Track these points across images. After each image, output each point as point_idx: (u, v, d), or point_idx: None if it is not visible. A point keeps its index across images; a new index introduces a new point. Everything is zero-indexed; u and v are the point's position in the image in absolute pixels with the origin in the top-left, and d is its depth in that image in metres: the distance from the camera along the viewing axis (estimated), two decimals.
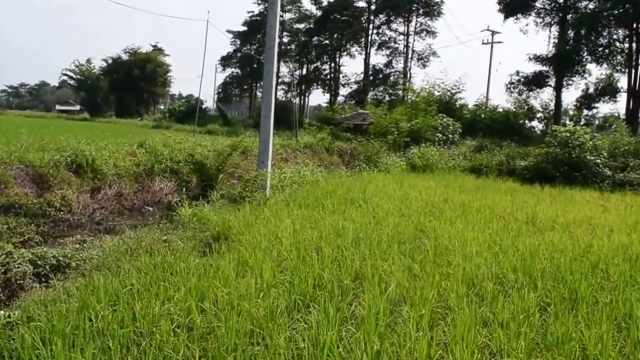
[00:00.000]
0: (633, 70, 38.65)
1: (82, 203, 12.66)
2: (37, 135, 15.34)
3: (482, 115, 39.87)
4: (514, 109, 41.94)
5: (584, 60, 41.43)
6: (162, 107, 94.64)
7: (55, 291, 6.02)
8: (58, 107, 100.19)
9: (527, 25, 45.26)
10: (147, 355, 4.16)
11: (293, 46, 78.04)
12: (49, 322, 4.65)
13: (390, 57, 66.34)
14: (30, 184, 12.14)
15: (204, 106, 71.64)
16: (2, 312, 5.15)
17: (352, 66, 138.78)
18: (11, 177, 11.60)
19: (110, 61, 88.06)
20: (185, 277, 5.92)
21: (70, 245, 8.52)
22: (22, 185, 11.83)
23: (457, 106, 40.44)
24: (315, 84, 77.05)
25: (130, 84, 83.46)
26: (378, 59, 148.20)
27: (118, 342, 4.38)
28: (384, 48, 66.36)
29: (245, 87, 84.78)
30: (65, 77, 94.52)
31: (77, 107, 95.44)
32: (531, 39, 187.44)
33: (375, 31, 67.25)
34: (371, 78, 66.55)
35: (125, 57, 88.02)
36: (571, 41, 41.73)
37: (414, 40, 64.78)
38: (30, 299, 5.66)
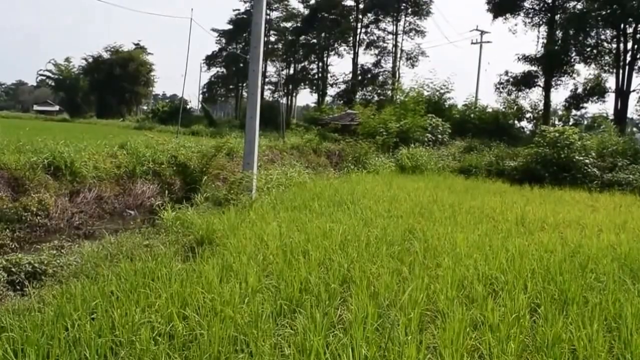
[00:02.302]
0: (621, 71, 38.88)
1: (60, 207, 12.30)
2: (12, 136, 14.99)
3: (472, 116, 40.01)
4: (503, 109, 42.19)
5: (573, 60, 41.61)
6: (145, 107, 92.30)
7: (30, 300, 5.83)
8: (36, 107, 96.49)
9: (516, 25, 45.73)
10: None
11: (280, 45, 77.83)
12: (23, 332, 4.50)
13: (378, 57, 66.18)
14: (5, 188, 11.80)
15: (188, 106, 71.00)
16: None
17: (340, 66, 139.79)
18: None
19: (90, 60, 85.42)
20: (167, 283, 5.78)
21: (47, 251, 8.24)
22: None
23: (446, 106, 40.54)
24: (302, 84, 76.57)
25: (111, 84, 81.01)
26: (366, 58, 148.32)
27: (95, 352, 4.25)
28: (372, 47, 66.15)
29: (231, 87, 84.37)
30: (43, 77, 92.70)
31: (56, 108, 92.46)
32: (520, 39, 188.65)
33: (363, 30, 67.04)
34: (359, 78, 66.15)
35: (106, 55, 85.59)
36: (560, 41, 41.90)
37: (402, 39, 64.64)
38: (4, 308, 5.47)
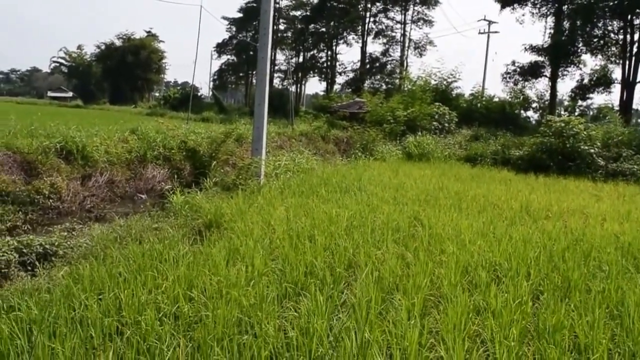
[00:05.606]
0: (627, 62, 38.57)
1: (72, 190, 12.47)
2: (26, 121, 15.11)
3: (478, 105, 40.02)
4: (510, 99, 42.16)
5: (579, 51, 41.43)
6: (156, 94, 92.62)
7: (40, 280, 5.92)
8: (50, 93, 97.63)
9: (523, 15, 45.48)
10: (131, 345, 4.07)
11: (289, 33, 77.63)
12: (30, 312, 4.57)
13: (387, 46, 66.45)
14: (18, 171, 11.95)
15: (199, 93, 71.28)
16: None
17: (349, 54, 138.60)
18: None
19: (103, 47, 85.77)
20: (174, 265, 5.84)
21: (59, 233, 8.41)
22: (9, 172, 11.63)
23: (453, 95, 40.45)
24: (311, 72, 76.58)
25: (124, 71, 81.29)
26: (375, 47, 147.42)
27: (101, 331, 4.30)
28: (380, 36, 66.29)
29: (241, 74, 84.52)
30: (56, 64, 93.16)
31: (70, 94, 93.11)
32: (527, 30, 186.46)
33: (372, 19, 67.07)
34: (368, 66, 66.34)
35: (118, 43, 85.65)
36: (567, 32, 41.64)
37: (410, 29, 64.88)
38: (14, 288, 5.56)
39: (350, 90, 63.76)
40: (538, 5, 43.71)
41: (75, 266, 6.20)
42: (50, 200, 11.66)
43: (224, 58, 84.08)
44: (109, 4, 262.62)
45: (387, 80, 63.79)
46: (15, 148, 12.39)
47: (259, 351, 4.02)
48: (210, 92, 77.83)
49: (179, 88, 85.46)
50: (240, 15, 78.25)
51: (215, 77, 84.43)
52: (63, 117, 19.80)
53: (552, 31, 43.13)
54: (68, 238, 8.15)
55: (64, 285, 5.38)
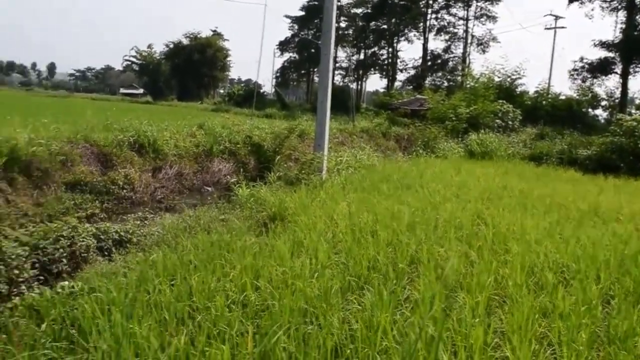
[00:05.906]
0: None
1: (144, 182, 13.05)
2: (102, 116, 15.86)
3: (544, 103, 38.94)
4: (577, 97, 40.77)
5: None
6: (221, 91, 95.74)
7: (117, 265, 6.23)
8: (122, 90, 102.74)
9: (592, 10, 43.55)
10: (202, 329, 4.23)
11: (350, 31, 78.05)
12: (109, 294, 4.81)
13: (449, 42, 65.45)
14: (95, 163, 12.55)
15: (262, 90, 72.63)
16: (66, 282, 5.36)
17: (410, 51, 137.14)
18: (77, 156, 12.02)
19: (171, 46, 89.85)
20: (241, 255, 5.99)
21: (132, 221, 8.85)
22: (87, 163, 12.24)
23: (518, 92, 39.55)
24: (372, 69, 76.91)
25: (191, 68, 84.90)
26: (436, 44, 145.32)
27: (174, 315, 4.49)
28: (442, 33, 65.39)
29: (302, 71, 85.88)
30: (128, 62, 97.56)
31: (141, 91, 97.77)
32: (597, 24, 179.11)
33: (433, 16, 66.33)
34: (429, 63, 65.80)
35: (185, 41, 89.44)
36: (639, 26, 39.82)
37: (473, 25, 63.67)
38: (93, 271, 5.88)
39: (411, 87, 63.59)
40: None
41: (148, 253, 6.49)
42: (124, 191, 12.24)
43: (286, 56, 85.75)
44: (177, 5, 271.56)
45: (448, 77, 63.23)
46: (92, 141, 13.01)
47: (324, 342, 4.07)
48: (273, 89, 79.30)
49: (242, 85, 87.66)
50: (302, 13, 79.45)
51: (278, 74, 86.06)
52: (135, 113, 20.65)
53: (623, 26, 41.49)
54: (141, 226, 8.58)
55: (138, 270, 5.64)
